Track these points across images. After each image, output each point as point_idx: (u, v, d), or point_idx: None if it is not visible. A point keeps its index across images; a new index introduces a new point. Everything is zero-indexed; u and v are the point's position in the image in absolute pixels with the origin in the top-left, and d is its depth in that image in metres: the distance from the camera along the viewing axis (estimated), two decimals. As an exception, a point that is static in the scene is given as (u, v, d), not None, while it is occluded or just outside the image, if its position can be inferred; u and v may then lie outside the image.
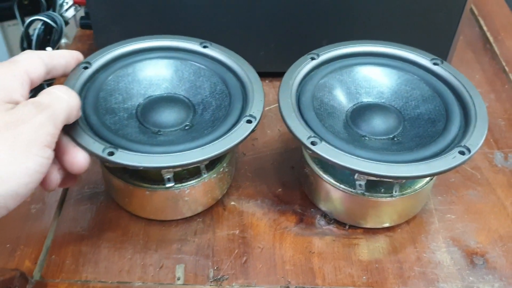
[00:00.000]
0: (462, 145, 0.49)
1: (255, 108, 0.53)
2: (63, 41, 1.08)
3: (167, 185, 0.52)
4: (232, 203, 0.59)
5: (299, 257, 0.54)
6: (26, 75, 0.47)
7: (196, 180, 0.54)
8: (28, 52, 0.49)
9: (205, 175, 0.54)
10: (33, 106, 0.43)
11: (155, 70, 0.58)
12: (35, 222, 0.56)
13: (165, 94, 0.58)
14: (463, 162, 0.48)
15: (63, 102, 0.45)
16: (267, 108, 0.72)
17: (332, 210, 0.57)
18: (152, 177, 0.53)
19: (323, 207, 0.58)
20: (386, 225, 0.56)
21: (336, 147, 0.49)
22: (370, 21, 0.70)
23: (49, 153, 0.43)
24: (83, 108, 0.52)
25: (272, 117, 0.71)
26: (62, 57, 0.52)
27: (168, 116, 0.55)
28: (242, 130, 0.51)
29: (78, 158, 0.47)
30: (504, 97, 0.75)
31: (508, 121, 0.71)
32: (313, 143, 0.50)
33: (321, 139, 0.50)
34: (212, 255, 0.54)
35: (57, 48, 0.73)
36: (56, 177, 0.47)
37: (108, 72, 0.57)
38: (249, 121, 0.52)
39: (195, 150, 0.49)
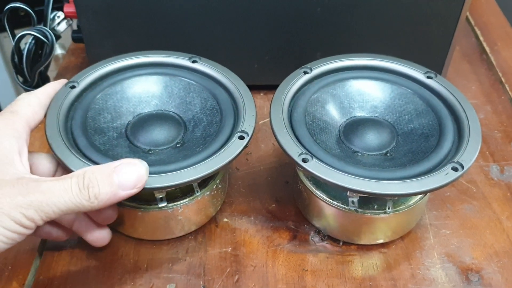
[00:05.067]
0: (455, 161, 0.49)
1: (247, 124, 0.53)
2: (59, 52, 1.08)
3: (160, 205, 0.52)
4: (225, 219, 0.59)
5: (292, 275, 0.53)
6: (28, 127, 0.47)
7: (189, 198, 0.53)
8: (25, 97, 0.49)
9: (198, 193, 0.53)
10: None
11: (144, 87, 0.58)
12: (24, 241, 0.54)
13: (155, 111, 0.57)
14: (456, 179, 0.47)
15: None
16: (262, 122, 0.71)
17: (326, 226, 0.56)
18: (144, 197, 0.52)
19: (316, 223, 0.57)
20: (380, 241, 0.56)
21: (327, 164, 0.49)
22: (364, 33, 0.70)
23: None
24: (71, 129, 0.51)
25: (266, 131, 0.70)
26: (55, 90, 0.53)
27: (159, 134, 0.54)
28: (235, 147, 0.50)
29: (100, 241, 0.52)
30: (500, 108, 0.74)
31: (504, 133, 0.70)
32: (304, 160, 0.49)
33: (313, 156, 0.49)
34: (204, 274, 0.53)
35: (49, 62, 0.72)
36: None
37: (96, 91, 0.56)
38: (241, 137, 0.51)
39: (187, 169, 0.48)
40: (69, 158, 0.47)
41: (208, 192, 0.54)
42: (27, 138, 0.47)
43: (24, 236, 0.41)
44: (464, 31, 0.89)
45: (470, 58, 0.84)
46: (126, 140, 0.54)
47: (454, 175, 0.47)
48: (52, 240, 0.54)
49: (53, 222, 0.50)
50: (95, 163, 0.48)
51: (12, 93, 1.34)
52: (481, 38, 0.87)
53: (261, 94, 0.76)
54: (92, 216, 0.51)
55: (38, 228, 0.42)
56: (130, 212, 0.52)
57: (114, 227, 0.56)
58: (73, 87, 0.55)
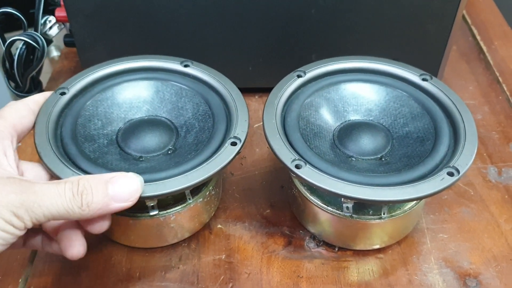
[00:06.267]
0: (451, 165, 0.48)
1: (240, 129, 0.52)
2: (55, 54, 1.07)
3: (151, 213, 0.51)
4: (219, 226, 0.58)
5: (287, 282, 0.53)
6: (13, 130, 0.46)
7: (182, 206, 0.52)
8: (13, 103, 0.49)
9: (191, 201, 0.53)
10: None
11: (135, 92, 0.57)
12: (14, 250, 0.54)
13: (146, 117, 0.56)
14: (452, 184, 0.46)
15: None
16: (256, 125, 0.70)
17: (321, 232, 0.55)
18: (135, 205, 0.51)
19: (311, 229, 0.56)
20: (376, 246, 0.55)
21: (321, 170, 0.48)
22: (360, 34, 0.69)
23: None
24: (61, 136, 0.51)
25: (261, 135, 0.69)
26: (44, 98, 0.52)
27: (150, 140, 0.54)
28: (227, 153, 0.49)
29: (74, 250, 0.46)
30: (498, 108, 0.73)
31: (502, 133, 0.69)
32: (297, 167, 0.48)
33: (306, 161, 0.49)
34: (197, 282, 0.52)
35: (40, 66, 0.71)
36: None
37: (86, 97, 0.55)
38: (233, 143, 0.50)
39: (178, 177, 0.47)
40: (58, 166, 0.47)
41: (201, 199, 0.53)
42: (13, 141, 0.46)
43: (15, 237, 0.40)
44: (461, 30, 0.88)
45: (467, 58, 0.83)
46: (117, 147, 0.53)
47: (449, 180, 0.47)
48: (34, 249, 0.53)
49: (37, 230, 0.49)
50: (85, 171, 0.47)
51: (8, 97, 1.33)
52: (478, 37, 0.86)
53: (256, 97, 0.75)
54: (86, 223, 0.50)
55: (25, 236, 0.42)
56: (121, 220, 0.51)
57: (106, 235, 0.55)
58: (63, 93, 0.54)
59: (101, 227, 0.49)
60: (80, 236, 0.45)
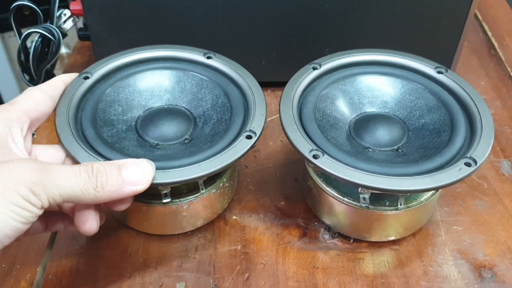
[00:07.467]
0: (468, 156, 0.48)
1: (256, 123, 0.52)
2: (64, 51, 1.07)
3: (164, 201, 0.51)
4: (234, 217, 0.58)
5: (302, 272, 0.53)
6: (25, 116, 0.46)
7: (195, 195, 0.53)
8: (29, 90, 0.49)
9: (203, 191, 0.53)
10: None
11: (157, 81, 0.57)
12: (32, 239, 0.55)
13: (166, 106, 0.57)
14: (469, 174, 0.47)
15: None
16: (269, 118, 0.71)
17: (336, 223, 0.56)
18: (149, 191, 0.51)
19: (327, 220, 0.56)
20: (392, 238, 0.55)
21: (338, 160, 0.48)
22: (373, 28, 0.69)
23: None
24: (81, 120, 0.51)
25: (274, 128, 0.69)
26: (63, 82, 0.52)
27: (168, 129, 0.54)
28: (241, 146, 0.49)
29: (86, 225, 0.45)
30: (510, 103, 0.73)
31: (514, 128, 0.70)
32: (315, 157, 0.48)
33: (324, 152, 0.49)
34: (214, 272, 0.53)
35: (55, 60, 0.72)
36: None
37: (108, 83, 0.56)
38: (249, 137, 0.50)
39: (191, 167, 0.47)
40: (75, 148, 0.47)
41: (214, 190, 0.54)
42: (23, 127, 0.46)
43: (34, 216, 0.39)
44: (472, 26, 0.88)
45: (479, 53, 0.83)
46: (135, 134, 0.54)
47: (467, 170, 0.47)
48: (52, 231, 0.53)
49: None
50: (101, 155, 0.48)
51: (17, 93, 1.34)
52: (489, 33, 0.87)
53: (269, 91, 0.76)
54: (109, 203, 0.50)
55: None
56: (135, 206, 0.51)
57: (121, 221, 0.56)
58: (86, 78, 0.54)
59: (123, 204, 0.49)
60: (94, 213, 0.45)
